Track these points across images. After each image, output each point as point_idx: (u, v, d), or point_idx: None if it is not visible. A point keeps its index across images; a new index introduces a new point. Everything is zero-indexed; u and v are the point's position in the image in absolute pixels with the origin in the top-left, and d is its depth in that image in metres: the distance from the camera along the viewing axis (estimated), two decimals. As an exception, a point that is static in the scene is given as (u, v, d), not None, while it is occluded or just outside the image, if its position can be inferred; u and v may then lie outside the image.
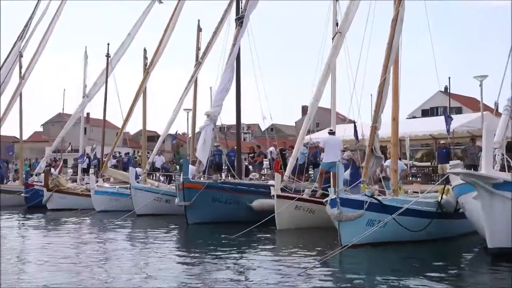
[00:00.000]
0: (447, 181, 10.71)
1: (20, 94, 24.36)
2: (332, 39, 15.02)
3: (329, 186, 14.80)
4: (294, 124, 74.43)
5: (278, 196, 13.15)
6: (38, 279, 7.93)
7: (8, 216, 18.97)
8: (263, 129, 78.34)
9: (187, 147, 34.22)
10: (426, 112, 54.96)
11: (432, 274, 8.04)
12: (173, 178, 22.85)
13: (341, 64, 15.49)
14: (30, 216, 18.97)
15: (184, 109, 34.49)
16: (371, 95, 33.90)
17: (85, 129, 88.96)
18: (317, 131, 53.46)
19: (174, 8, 21.34)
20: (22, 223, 17.14)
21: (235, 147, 19.25)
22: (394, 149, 11.93)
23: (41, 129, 78.07)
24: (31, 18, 24.05)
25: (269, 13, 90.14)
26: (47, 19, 23.89)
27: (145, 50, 22.19)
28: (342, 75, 16.96)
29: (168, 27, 21.44)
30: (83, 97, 23.36)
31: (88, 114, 77.52)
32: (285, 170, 19.61)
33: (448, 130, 13.50)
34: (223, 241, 12.12)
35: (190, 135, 24.01)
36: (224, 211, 14.97)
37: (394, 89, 11.84)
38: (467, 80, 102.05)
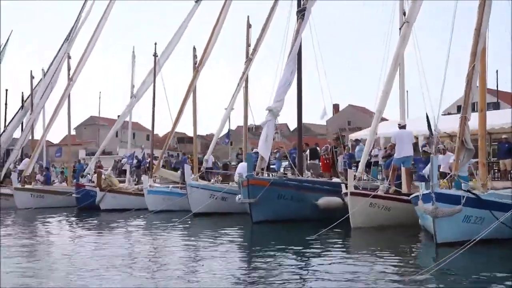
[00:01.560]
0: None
1: (68, 96, 24.13)
2: (400, 29, 14.27)
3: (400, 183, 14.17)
4: (324, 123, 73.05)
5: (352, 194, 12.41)
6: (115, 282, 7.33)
7: (62, 218, 18.69)
8: (291, 128, 77.80)
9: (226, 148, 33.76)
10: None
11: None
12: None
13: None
14: (84, 216, 18.53)
15: (226, 108, 34.22)
16: (407, 91, 33.07)
17: (116, 132, 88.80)
18: (349, 129, 52.56)
19: (223, 5, 20.80)
20: (79, 224, 16.68)
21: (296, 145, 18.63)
22: (482, 142, 11.10)
23: (73, 132, 78.65)
24: (77, 19, 23.82)
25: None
26: (93, 19, 23.61)
27: (194, 48, 21.76)
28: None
29: (216, 25, 20.92)
30: (131, 97, 22.95)
31: (118, 116, 78.63)
32: (333, 168, 19.09)
33: None
34: (299, 240, 11.39)
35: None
36: (289, 209, 14.32)
37: (481, 78, 11.01)
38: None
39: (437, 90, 11.46)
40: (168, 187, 19.49)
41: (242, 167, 18.20)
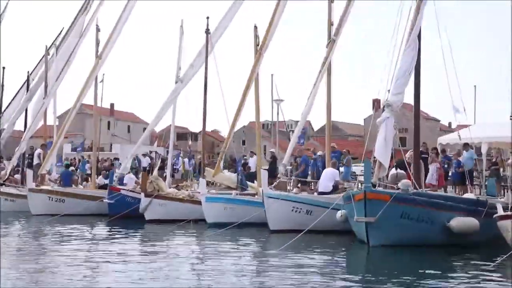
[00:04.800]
0: None
1: (96, 78, 22.89)
2: None
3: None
4: (355, 122, 71.60)
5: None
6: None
7: (99, 230, 17.76)
8: (315, 127, 76.22)
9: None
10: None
11: None
12: None
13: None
14: (127, 230, 17.39)
15: (275, 100, 33.17)
16: (475, 86, 32.30)
17: (108, 122, 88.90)
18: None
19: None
20: (126, 244, 15.43)
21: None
22: None
23: (56, 122, 77.22)
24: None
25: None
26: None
27: (255, 27, 20.67)
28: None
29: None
30: (176, 82, 21.68)
31: (112, 105, 77.10)
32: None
33: None
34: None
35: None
36: (413, 232, 13.29)
37: None
38: None
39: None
40: (231, 193, 18.31)
41: (327, 175, 17.20)
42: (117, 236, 16.41)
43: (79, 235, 16.43)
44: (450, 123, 65.86)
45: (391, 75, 14.70)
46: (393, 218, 13.08)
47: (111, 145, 66.59)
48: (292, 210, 16.11)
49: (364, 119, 65.10)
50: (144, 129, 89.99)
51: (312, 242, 14.29)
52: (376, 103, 65.33)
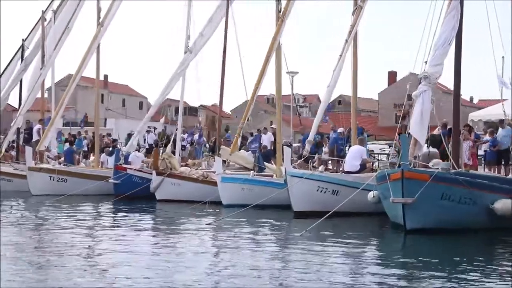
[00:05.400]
0: None
1: (98, 47, 21.94)
2: None
3: None
4: (369, 97, 69.88)
5: None
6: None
7: (106, 211, 17.08)
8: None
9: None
10: None
11: None
12: None
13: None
14: (137, 210, 16.79)
15: (288, 72, 32.24)
16: (503, 57, 31.43)
17: (102, 95, 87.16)
18: (409, 105, 50.84)
19: None
20: (141, 225, 14.73)
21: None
22: None
23: (45, 95, 75.88)
24: None
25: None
26: None
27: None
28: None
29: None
30: (185, 52, 20.73)
31: (106, 76, 75.42)
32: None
33: None
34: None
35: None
36: (454, 214, 12.67)
37: None
38: None
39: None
40: (249, 173, 17.59)
41: (353, 153, 16.52)
42: (132, 219, 15.54)
43: (91, 218, 15.79)
44: (471, 98, 64.94)
45: (429, 45, 13.98)
46: (433, 199, 12.49)
47: (106, 119, 65.45)
48: (317, 190, 15.52)
49: (379, 94, 63.72)
50: (140, 102, 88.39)
51: (340, 225, 13.73)
52: (391, 76, 64.38)
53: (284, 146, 16.57)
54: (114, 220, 15.44)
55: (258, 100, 51.19)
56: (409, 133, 13.52)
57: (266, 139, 23.18)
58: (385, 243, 12.98)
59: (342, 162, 17.63)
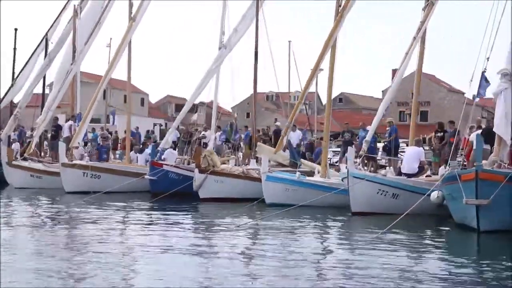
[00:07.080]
0: None
1: (129, 42, 21.50)
2: None
3: None
4: (369, 95, 69.74)
5: None
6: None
7: (144, 211, 16.52)
8: (324, 101, 74.94)
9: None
10: None
11: None
12: None
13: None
14: (182, 211, 16.35)
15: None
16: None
17: (104, 92, 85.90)
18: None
19: None
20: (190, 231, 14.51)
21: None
22: None
23: (47, 91, 75.09)
24: None
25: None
26: None
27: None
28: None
29: None
30: (219, 48, 20.34)
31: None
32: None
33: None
34: None
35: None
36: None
37: None
38: None
39: None
40: (296, 173, 17.24)
41: (411, 155, 16.22)
42: (182, 220, 15.30)
43: (137, 218, 15.25)
44: (474, 96, 64.66)
45: (491, 41, 13.75)
46: (506, 200, 12.23)
47: (108, 116, 64.46)
48: (378, 192, 15.27)
49: (382, 91, 63.45)
50: (142, 99, 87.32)
51: (407, 226, 13.29)
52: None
53: (348, 147, 16.40)
54: (172, 223, 14.62)
55: (258, 97, 50.82)
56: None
57: (295, 137, 23.00)
58: (457, 244, 12.64)
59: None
